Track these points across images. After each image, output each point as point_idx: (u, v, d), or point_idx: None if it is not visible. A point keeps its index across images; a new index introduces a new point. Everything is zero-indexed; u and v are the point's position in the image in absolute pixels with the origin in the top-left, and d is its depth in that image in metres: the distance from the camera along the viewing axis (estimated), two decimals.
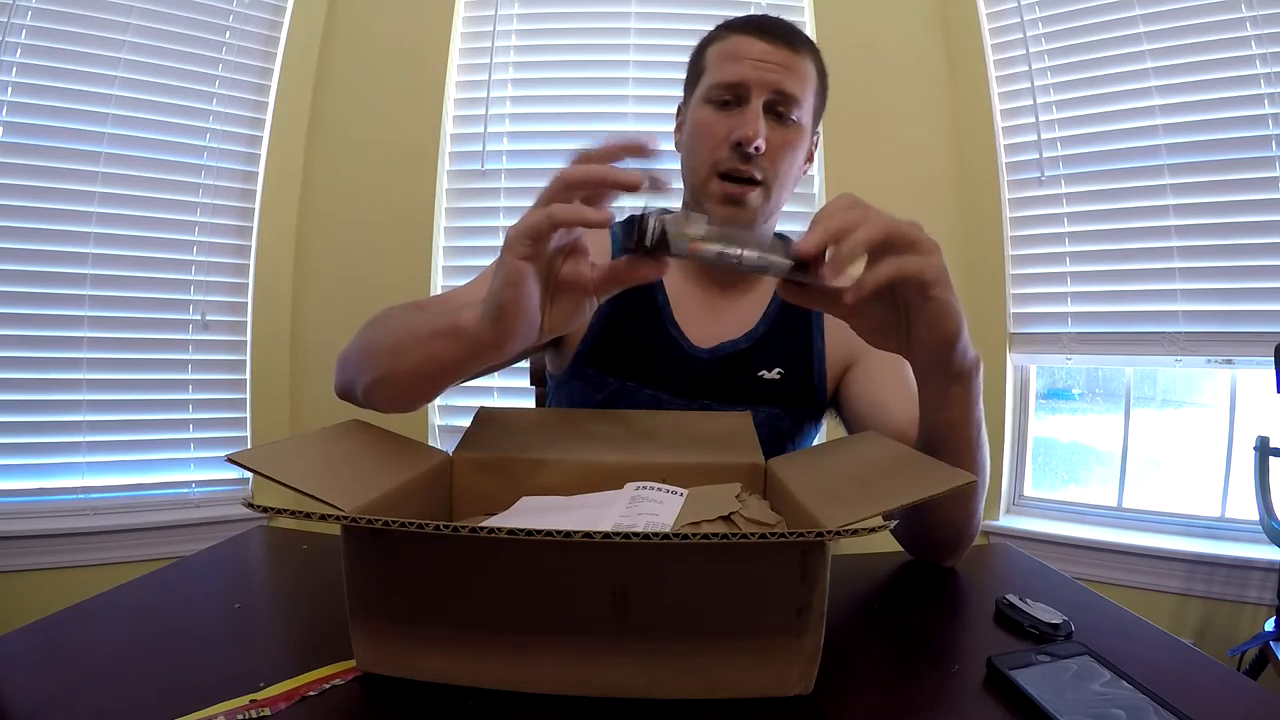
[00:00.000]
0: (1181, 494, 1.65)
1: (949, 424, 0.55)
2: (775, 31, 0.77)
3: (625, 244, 0.46)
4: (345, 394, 0.63)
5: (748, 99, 0.76)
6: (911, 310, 0.49)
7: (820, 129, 0.88)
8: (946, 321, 0.48)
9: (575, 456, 0.57)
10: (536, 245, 0.45)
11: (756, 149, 0.74)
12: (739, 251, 0.44)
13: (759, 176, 0.77)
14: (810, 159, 0.85)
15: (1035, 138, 1.73)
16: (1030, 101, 1.73)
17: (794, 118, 0.78)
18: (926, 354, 0.51)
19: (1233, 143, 1.54)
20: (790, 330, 0.85)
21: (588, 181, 0.44)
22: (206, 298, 1.71)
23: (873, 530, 0.35)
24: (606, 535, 0.35)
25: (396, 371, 0.55)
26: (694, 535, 0.35)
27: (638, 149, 0.45)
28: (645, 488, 0.53)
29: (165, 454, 1.70)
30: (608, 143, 0.45)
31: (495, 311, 0.46)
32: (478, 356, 0.50)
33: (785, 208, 0.87)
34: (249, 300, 1.75)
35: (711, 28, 0.83)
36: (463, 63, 1.87)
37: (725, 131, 0.76)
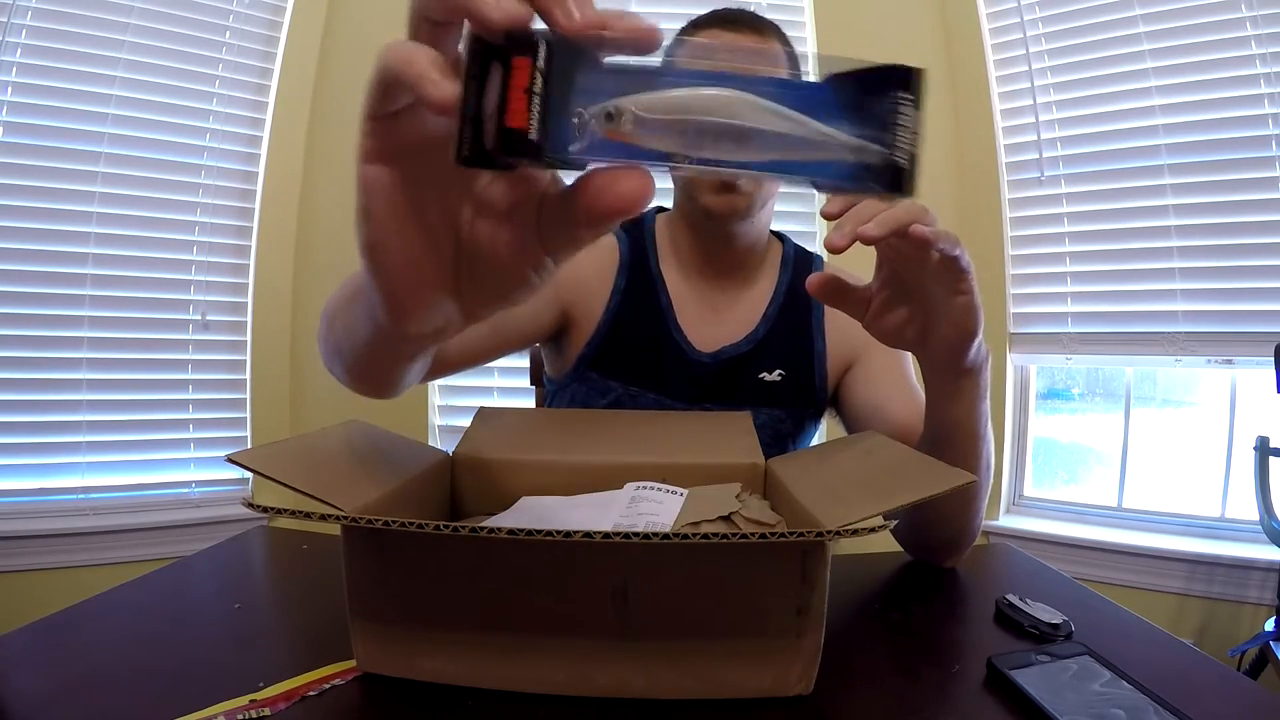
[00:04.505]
0: (1181, 494, 1.65)
1: (956, 419, 0.56)
2: (740, 21, 0.78)
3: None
4: (330, 371, 0.50)
5: None
6: (937, 306, 0.49)
7: None
8: (971, 317, 0.49)
9: (575, 457, 0.57)
10: (394, 122, 0.25)
11: None
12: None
13: None
14: None
15: (1035, 138, 1.73)
16: (1030, 101, 1.73)
17: None
18: (944, 351, 0.51)
19: (1233, 143, 1.54)
20: (791, 331, 0.85)
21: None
22: (206, 298, 1.71)
23: (873, 530, 0.35)
24: (606, 535, 0.35)
25: (335, 345, 0.44)
26: (694, 535, 0.35)
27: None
28: (645, 488, 0.53)
29: (165, 454, 1.69)
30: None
31: (361, 250, 0.29)
32: (383, 327, 0.31)
33: (782, 189, 0.89)
34: (249, 300, 1.75)
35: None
36: None
37: None
